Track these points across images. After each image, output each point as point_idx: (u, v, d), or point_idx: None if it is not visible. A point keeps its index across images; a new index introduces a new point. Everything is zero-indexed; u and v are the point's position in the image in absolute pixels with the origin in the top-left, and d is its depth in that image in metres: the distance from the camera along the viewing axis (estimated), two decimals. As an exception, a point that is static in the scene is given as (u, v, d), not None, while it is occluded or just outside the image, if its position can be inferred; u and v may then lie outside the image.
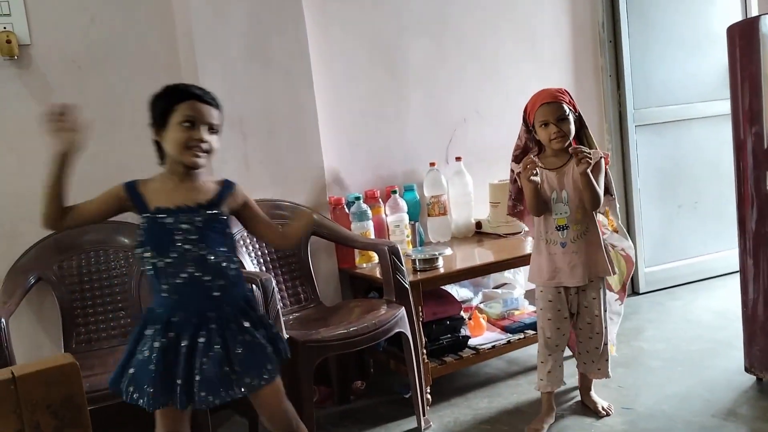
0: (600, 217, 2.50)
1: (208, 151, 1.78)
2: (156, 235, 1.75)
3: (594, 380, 2.62)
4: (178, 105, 1.76)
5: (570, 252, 2.40)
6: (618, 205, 2.60)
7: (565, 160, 2.40)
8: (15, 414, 0.95)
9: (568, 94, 2.42)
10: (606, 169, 2.48)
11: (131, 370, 1.76)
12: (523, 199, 2.57)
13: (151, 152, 2.81)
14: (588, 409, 2.59)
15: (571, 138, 2.38)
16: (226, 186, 1.87)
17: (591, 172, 2.30)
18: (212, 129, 1.79)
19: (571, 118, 2.37)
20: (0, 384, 0.94)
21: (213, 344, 1.73)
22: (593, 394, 2.62)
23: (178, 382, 1.71)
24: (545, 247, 2.44)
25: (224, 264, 1.79)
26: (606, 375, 2.57)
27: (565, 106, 2.36)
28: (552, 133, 2.36)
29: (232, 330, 1.77)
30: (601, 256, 2.43)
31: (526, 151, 2.51)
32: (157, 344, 1.72)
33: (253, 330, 1.80)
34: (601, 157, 2.41)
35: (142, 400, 1.74)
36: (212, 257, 1.76)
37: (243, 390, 1.77)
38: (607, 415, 2.53)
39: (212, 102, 1.81)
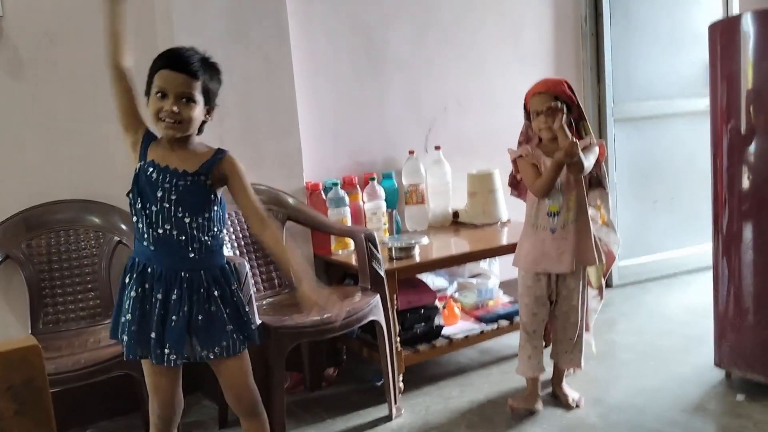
0: (591, 211, 2.51)
1: (181, 122, 1.74)
2: (142, 185, 1.78)
3: (566, 372, 2.64)
4: (155, 74, 1.75)
5: (559, 238, 2.42)
6: (610, 199, 2.61)
7: (556, 149, 2.37)
8: (-28, 396, 0.92)
9: (567, 85, 2.43)
10: (601, 163, 2.50)
11: (122, 319, 1.79)
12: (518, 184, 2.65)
13: (116, 135, 2.77)
14: (559, 400, 2.60)
15: (558, 126, 2.34)
16: (215, 155, 1.84)
17: (582, 150, 2.32)
18: (189, 99, 1.74)
19: (563, 109, 2.36)
20: (-43, 365, 0.91)
21: (183, 304, 1.76)
22: (565, 385, 2.63)
23: (152, 335, 1.76)
24: (534, 232, 2.47)
25: (200, 230, 1.79)
26: (578, 365, 2.59)
27: (556, 97, 2.37)
28: (541, 123, 2.39)
29: (199, 295, 1.77)
30: (589, 244, 2.46)
31: (528, 138, 2.55)
32: (132, 293, 1.76)
33: (220, 302, 1.79)
34: (595, 144, 2.44)
35: (121, 343, 1.81)
36: (188, 220, 1.77)
37: (197, 358, 1.80)
38: (577, 407, 2.54)
39: (188, 70, 1.74)
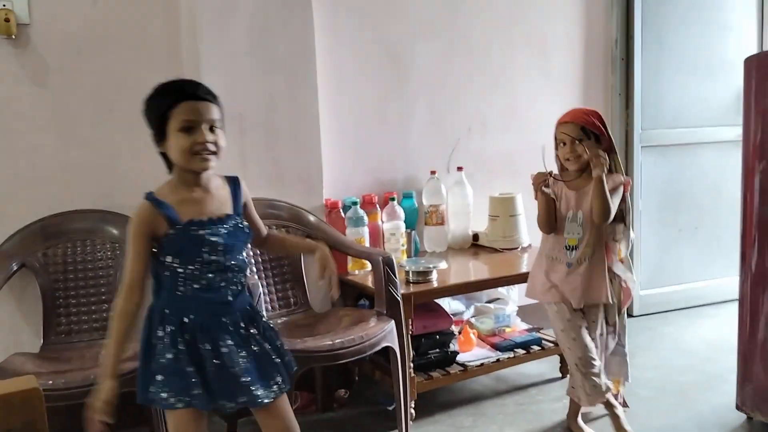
0: (617, 246, 2.47)
1: (215, 152, 1.69)
2: (184, 246, 1.68)
3: (582, 408, 2.57)
4: (172, 110, 1.65)
5: (574, 273, 2.38)
6: (632, 236, 2.54)
7: (588, 181, 2.34)
8: (-30, 440, 0.89)
9: (598, 116, 2.37)
10: (626, 197, 2.44)
11: (159, 377, 1.67)
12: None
13: (143, 142, 2.76)
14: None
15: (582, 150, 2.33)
16: (235, 184, 1.82)
17: (609, 190, 2.28)
18: (214, 126, 1.69)
19: (591, 140, 2.33)
20: (-44, 408, 0.88)
21: (231, 350, 1.69)
22: (580, 421, 2.56)
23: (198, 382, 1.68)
24: (549, 264, 2.44)
25: (241, 272, 1.77)
26: (593, 403, 2.51)
27: (583, 128, 2.33)
28: (566, 153, 2.35)
29: (242, 336, 1.73)
30: (603, 282, 2.40)
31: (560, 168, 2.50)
32: (181, 347, 1.66)
33: (261, 339, 1.76)
34: (621, 184, 2.38)
35: (183, 403, 1.67)
36: (233, 264, 1.74)
37: (250, 401, 1.72)
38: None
39: (208, 97, 1.70)
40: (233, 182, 1.83)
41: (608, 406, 2.50)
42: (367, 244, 2.90)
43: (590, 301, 2.41)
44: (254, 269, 2.66)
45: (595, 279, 2.39)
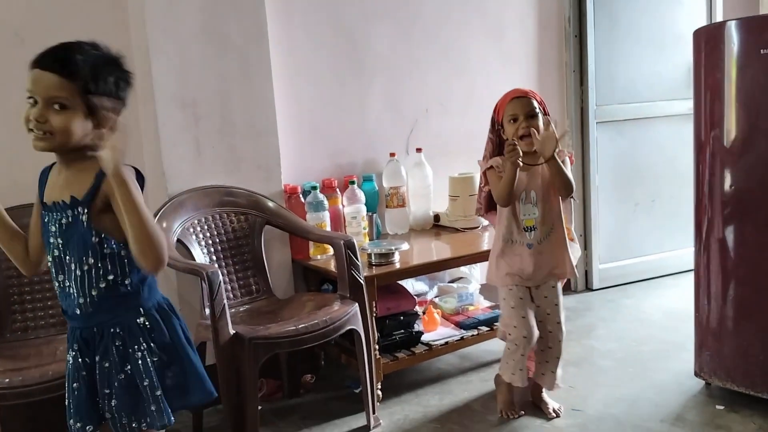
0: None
1: (51, 132, 1.44)
2: (44, 232, 1.56)
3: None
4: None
5: (536, 253, 2.39)
6: (573, 210, 2.57)
7: (535, 160, 2.34)
8: None
9: (538, 96, 2.40)
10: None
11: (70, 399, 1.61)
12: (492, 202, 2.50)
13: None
14: (538, 409, 2.57)
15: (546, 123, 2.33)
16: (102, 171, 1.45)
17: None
18: (61, 105, 1.44)
19: (540, 116, 2.33)
20: None
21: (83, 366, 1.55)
22: (545, 395, 2.59)
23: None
24: (509, 248, 2.42)
25: (92, 279, 1.51)
26: (558, 384, 2.56)
27: (535, 103, 2.34)
28: (520, 128, 2.31)
29: (112, 359, 1.53)
30: (566, 257, 2.44)
31: (494, 153, 2.47)
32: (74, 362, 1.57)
33: (140, 368, 1.53)
34: (567, 156, 2.41)
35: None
36: (77, 268, 1.51)
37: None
38: (557, 416, 2.52)
39: (54, 66, 1.43)
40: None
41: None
42: (329, 229, 2.89)
43: (554, 278, 2.45)
44: (214, 258, 2.62)
45: (558, 254, 2.43)
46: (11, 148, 2.52)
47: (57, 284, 1.57)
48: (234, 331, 2.22)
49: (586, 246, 3.95)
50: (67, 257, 1.52)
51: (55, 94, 1.44)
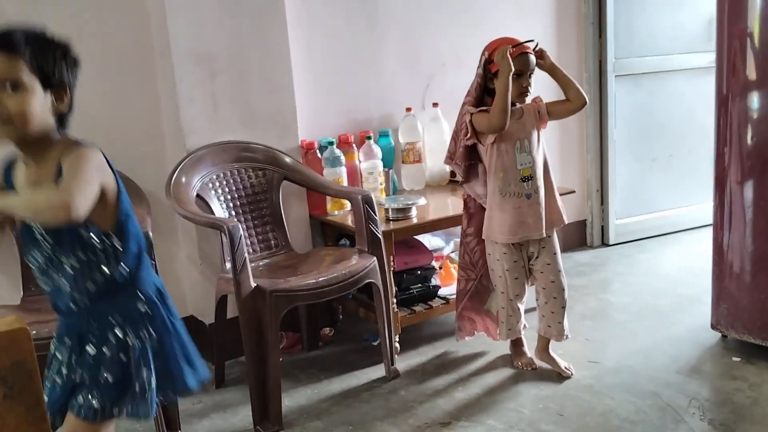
0: None
1: (9, 119, 1.32)
2: (23, 231, 1.45)
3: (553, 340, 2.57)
4: None
5: (535, 203, 2.38)
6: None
7: (520, 111, 2.37)
8: (-40, 381, 0.89)
9: None
10: None
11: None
12: (470, 158, 2.45)
13: (109, 92, 2.69)
14: (545, 367, 2.55)
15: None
16: (64, 153, 1.37)
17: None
18: (14, 85, 1.32)
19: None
20: (-56, 350, 0.88)
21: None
22: (552, 352, 2.56)
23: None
24: (508, 201, 2.37)
25: (86, 272, 1.45)
26: (566, 335, 2.54)
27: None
28: (523, 86, 2.32)
29: (108, 345, 1.46)
30: (557, 204, 2.46)
31: (480, 100, 2.40)
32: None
33: (138, 357, 1.47)
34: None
35: None
36: (69, 265, 1.44)
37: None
38: (570, 374, 2.49)
39: (2, 46, 1.32)
40: (63, 149, 1.40)
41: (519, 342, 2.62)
42: (345, 184, 2.89)
43: (550, 227, 2.44)
44: (233, 213, 2.65)
45: (551, 203, 2.44)
46: None
47: (46, 286, 1.51)
48: (255, 284, 2.25)
49: (602, 201, 3.94)
50: (58, 257, 1.43)
51: (2, 73, 1.32)
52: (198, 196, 2.54)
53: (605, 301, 3.20)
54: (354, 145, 3.03)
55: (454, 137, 2.50)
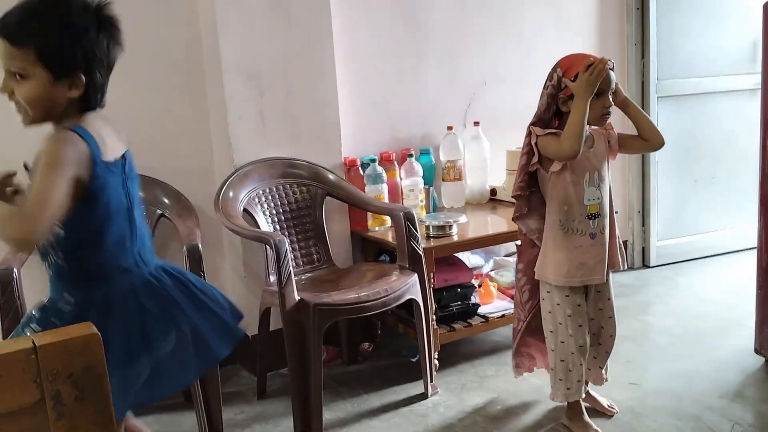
0: None
1: (21, 107, 1.38)
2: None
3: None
4: None
5: (598, 244, 2.14)
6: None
7: (591, 139, 2.15)
8: (35, 384, 0.94)
9: None
10: None
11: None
12: (530, 188, 2.19)
13: (161, 102, 2.77)
14: (588, 409, 2.36)
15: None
16: (43, 145, 1.36)
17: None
18: (20, 74, 1.36)
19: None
20: (21, 353, 0.93)
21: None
22: (591, 391, 2.41)
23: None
24: (568, 238, 2.13)
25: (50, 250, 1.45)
26: (606, 379, 2.41)
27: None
28: (606, 106, 2.06)
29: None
30: (617, 245, 2.24)
31: (548, 122, 2.15)
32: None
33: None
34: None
35: None
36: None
37: None
38: (614, 412, 2.36)
39: (4, 34, 1.34)
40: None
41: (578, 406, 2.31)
42: (387, 201, 2.93)
43: (610, 270, 2.23)
44: (277, 227, 2.70)
45: (612, 245, 2.20)
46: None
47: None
48: (299, 298, 2.29)
49: (643, 222, 3.92)
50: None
51: (9, 63, 1.35)
52: (244, 210, 2.60)
53: (646, 323, 3.17)
54: (395, 162, 3.07)
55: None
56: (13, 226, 1.28)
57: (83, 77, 1.39)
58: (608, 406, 2.39)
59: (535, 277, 2.25)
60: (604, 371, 2.39)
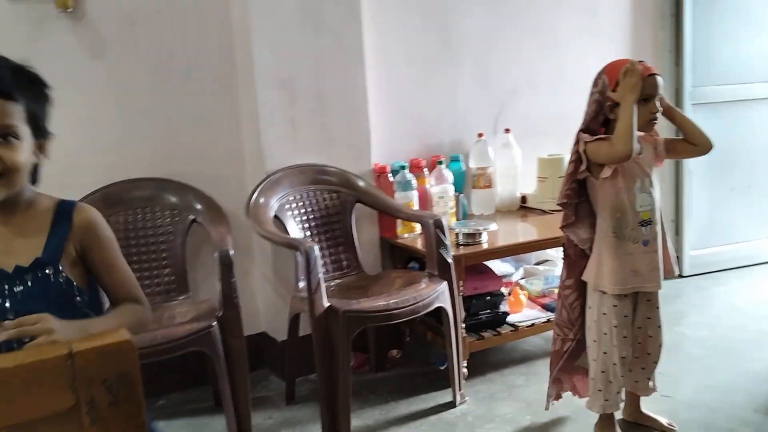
0: None
1: (4, 173, 1.17)
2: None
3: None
4: None
5: (651, 251, 2.11)
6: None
7: (640, 147, 2.07)
8: (71, 389, 0.96)
9: None
10: None
11: None
12: (579, 197, 2.15)
13: (196, 111, 2.82)
14: (643, 427, 2.35)
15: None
16: (62, 216, 1.25)
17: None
18: (9, 134, 1.17)
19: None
20: (57, 359, 0.95)
21: None
22: (645, 410, 2.37)
23: None
24: (621, 245, 2.10)
25: None
26: (654, 389, 2.34)
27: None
28: (653, 112, 2.05)
29: None
30: (669, 252, 2.20)
31: (595, 131, 2.11)
32: None
33: None
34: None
35: None
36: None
37: None
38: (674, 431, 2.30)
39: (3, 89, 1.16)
40: (59, 213, 1.27)
41: (611, 420, 2.28)
42: (416, 208, 2.93)
43: (661, 279, 2.16)
44: (307, 233, 2.71)
45: (665, 252, 2.17)
46: (123, 122, 2.67)
47: None
48: (328, 304, 2.30)
49: (678, 231, 3.85)
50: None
51: (7, 122, 1.17)
52: (275, 216, 2.62)
53: (680, 334, 3.12)
54: (425, 169, 3.07)
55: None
56: (143, 316, 1.34)
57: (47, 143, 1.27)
58: (668, 425, 2.31)
59: (589, 287, 2.20)
60: (651, 382, 2.32)
